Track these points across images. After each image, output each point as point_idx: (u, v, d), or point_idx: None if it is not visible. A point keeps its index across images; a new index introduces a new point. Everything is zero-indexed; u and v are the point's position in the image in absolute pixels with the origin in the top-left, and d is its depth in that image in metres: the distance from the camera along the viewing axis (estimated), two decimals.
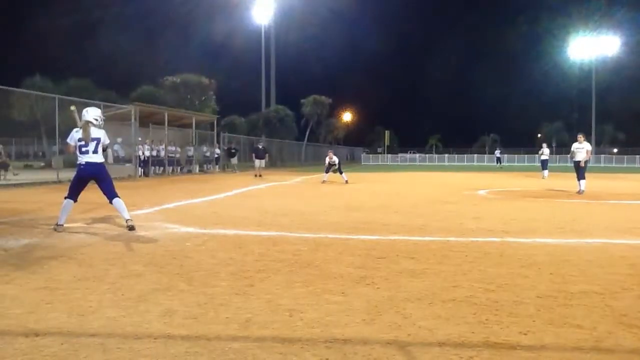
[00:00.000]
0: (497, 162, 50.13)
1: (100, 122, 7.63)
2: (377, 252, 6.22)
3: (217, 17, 62.28)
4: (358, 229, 8.08)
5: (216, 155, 34.86)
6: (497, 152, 51.20)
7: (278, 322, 3.66)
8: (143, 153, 25.32)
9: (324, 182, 20.57)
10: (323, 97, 65.04)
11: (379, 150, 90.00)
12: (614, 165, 64.41)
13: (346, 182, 20.33)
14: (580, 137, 15.52)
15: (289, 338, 3.35)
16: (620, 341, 3.35)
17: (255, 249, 6.36)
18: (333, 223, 8.70)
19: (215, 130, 36.50)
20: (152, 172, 26.00)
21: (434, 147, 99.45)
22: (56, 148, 20.90)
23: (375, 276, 5.01)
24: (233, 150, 34.75)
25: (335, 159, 21.00)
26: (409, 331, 3.49)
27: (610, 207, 12.13)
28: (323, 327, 3.54)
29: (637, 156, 67.73)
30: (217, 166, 34.94)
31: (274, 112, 56.24)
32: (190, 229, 7.85)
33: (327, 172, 21.15)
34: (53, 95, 20.22)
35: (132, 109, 24.23)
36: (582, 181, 14.97)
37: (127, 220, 7.50)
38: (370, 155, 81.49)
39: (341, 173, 21.09)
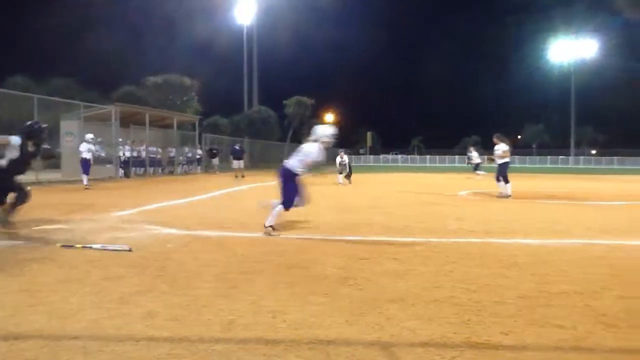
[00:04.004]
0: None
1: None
2: (361, 253, 6.23)
3: (199, 17, 61.97)
4: (341, 229, 8.09)
5: (198, 156, 34.68)
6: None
7: (261, 323, 3.66)
8: (124, 154, 25.11)
9: (340, 184, 20.38)
10: (306, 98, 65.03)
11: (362, 151, 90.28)
12: (592, 166, 65.30)
13: (349, 183, 20.32)
14: (496, 139, 15.08)
15: (272, 339, 3.34)
16: (600, 340, 3.39)
17: (239, 251, 6.34)
18: (316, 224, 8.70)
19: (197, 131, 36.32)
20: (133, 173, 25.78)
21: (417, 148, 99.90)
22: None
23: (359, 277, 5.02)
24: (214, 151, 34.55)
25: (346, 159, 20.96)
26: (392, 332, 3.51)
27: (589, 208, 12.29)
28: (306, 329, 3.54)
29: (616, 157, 68.78)
30: (199, 167, 34.77)
31: (256, 113, 56.11)
32: (172, 230, 7.80)
33: (340, 173, 21.02)
34: (32, 95, 19.95)
35: (112, 110, 24.03)
36: (499, 184, 14.58)
37: None
38: (353, 156, 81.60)
39: (350, 175, 20.98)
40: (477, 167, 26.32)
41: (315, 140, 7.75)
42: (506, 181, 14.32)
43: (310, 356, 3.08)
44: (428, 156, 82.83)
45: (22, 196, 7.52)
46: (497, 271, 5.35)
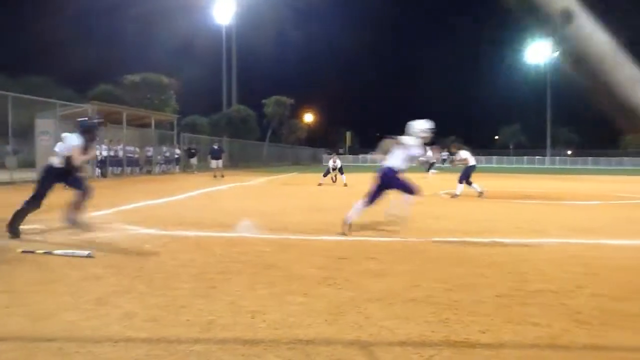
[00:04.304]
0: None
1: None
2: (339, 253, 6.25)
3: (178, 16, 61.49)
4: (320, 229, 8.10)
5: (176, 156, 34.40)
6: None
7: (240, 323, 3.65)
8: (100, 153, 24.82)
9: (320, 184, 20.25)
10: (285, 98, 64.96)
11: (341, 151, 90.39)
12: (568, 166, 66.23)
13: (345, 185, 20.15)
14: (453, 147, 15.98)
15: (251, 340, 3.34)
16: (575, 338, 3.45)
17: (217, 251, 6.32)
18: (295, 224, 8.71)
19: (175, 130, 36.02)
20: (110, 172, 25.50)
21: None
22: (9, 148, 20.22)
23: (337, 277, 5.03)
24: (193, 151, 34.30)
25: (339, 163, 20.96)
26: (371, 331, 3.52)
27: (565, 208, 12.48)
28: (286, 329, 3.54)
29: (590, 158, 69.84)
30: (177, 167, 34.49)
31: (235, 112, 55.90)
32: (151, 231, 7.74)
33: (325, 175, 20.99)
34: (6, 93, 19.59)
35: (89, 108, 23.73)
36: (459, 185, 14.88)
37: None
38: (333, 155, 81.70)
39: (342, 174, 20.91)
40: (431, 166, 26.44)
41: (412, 136, 7.74)
42: (469, 183, 14.77)
43: (289, 356, 3.08)
44: None
45: (84, 192, 7.36)
46: (475, 270, 5.41)
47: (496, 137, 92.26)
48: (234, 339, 3.36)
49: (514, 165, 68.75)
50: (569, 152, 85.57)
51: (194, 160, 34.02)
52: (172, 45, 56.08)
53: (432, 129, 7.87)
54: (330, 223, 8.82)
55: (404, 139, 7.68)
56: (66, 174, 7.31)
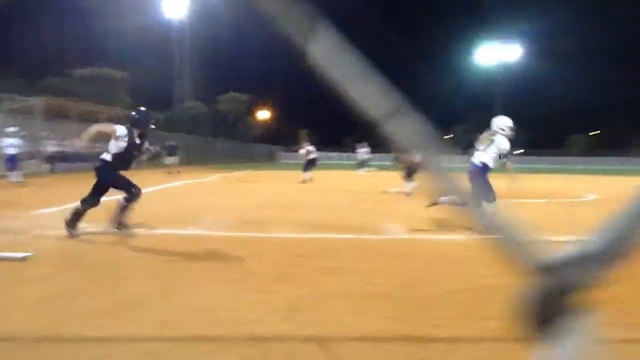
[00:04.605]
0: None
1: None
2: (296, 250, 6.26)
3: (132, 9, 60.06)
4: (277, 226, 8.10)
5: None
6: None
7: (198, 321, 3.63)
8: (49, 148, 24.11)
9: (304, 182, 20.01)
10: (240, 95, 64.49)
11: (295, 149, 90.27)
12: (520, 165, 67.86)
13: (307, 180, 19.93)
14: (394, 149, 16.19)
15: (209, 337, 3.32)
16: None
17: (172, 248, 6.24)
18: (252, 221, 8.67)
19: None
20: (58, 168, 24.80)
21: (351, 147, 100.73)
22: None
23: (295, 274, 5.05)
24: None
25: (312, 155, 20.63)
26: (329, 327, 3.56)
27: (513, 206, 12.82)
28: (244, 326, 3.53)
29: (535, 157, 71.84)
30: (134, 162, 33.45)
31: (190, 109, 55.19)
32: (102, 228, 7.57)
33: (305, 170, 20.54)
34: None
35: (37, 102, 23.02)
36: (407, 183, 15.13)
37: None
38: (289, 153, 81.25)
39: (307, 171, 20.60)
40: (362, 164, 26.42)
41: (497, 133, 7.76)
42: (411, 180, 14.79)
43: (248, 353, 3.08)
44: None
45: (133, 193, 6.86)
46: (429, 266, 5.51)
47: (451, 136, 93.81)
48: (192, 336, 3.34)
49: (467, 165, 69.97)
50: (521, 151, 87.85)
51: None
52: (125, 40, 54.80)
53: (513, 126, 7.92)
54: (286, 220, 8.83)
55: (497, 138, 7.73)
56: (116, 171, 6.90)
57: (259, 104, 78.66)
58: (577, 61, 74.79)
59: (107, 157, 6.85)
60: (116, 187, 6.88)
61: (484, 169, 7.74)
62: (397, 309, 4.00)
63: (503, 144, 7.70)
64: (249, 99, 65.92)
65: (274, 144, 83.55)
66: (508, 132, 7.82)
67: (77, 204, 6.84)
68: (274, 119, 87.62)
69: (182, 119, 53.56)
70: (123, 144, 6.81)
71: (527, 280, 0.76)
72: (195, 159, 46.65)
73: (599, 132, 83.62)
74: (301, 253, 6.09)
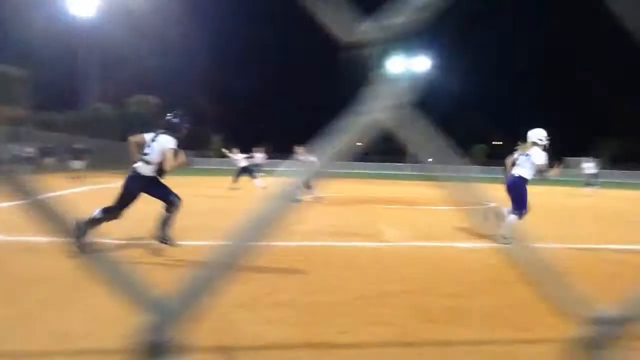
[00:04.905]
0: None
1: None
2: (198, 258, 6.15)
3: (34, 4, 57.16)
4: (178, 234, 7.92)
5: (29, 154, 31.88)
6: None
7: (96, 333, 3.49)
8: None
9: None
10: (149, 97, 62.64)
11: (209, 154, 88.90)
12: (358, 170, 69.97)
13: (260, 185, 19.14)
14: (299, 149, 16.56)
15: (109, 349, 3.20)
16: (425, 335, 3.71)
17: (71, 258, 5.96)
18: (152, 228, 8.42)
19: (27, 127, 33.41)
20: None
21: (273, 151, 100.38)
22: None
23: None
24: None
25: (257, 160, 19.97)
26: (234, 336, 3.53)
27: (414, 212, 13.29)
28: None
29: (375, 163, 74.03)
30: (30, 166, 31.94)
31: (95, 110, 53.06)
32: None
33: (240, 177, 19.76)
34: None
35: None
36: (308, 189, 15.40)
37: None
38: (200, 158, 79.64)
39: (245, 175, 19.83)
40: (244, 171, 22.17)
41: (534, 144, 7.99)
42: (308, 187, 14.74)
43: None
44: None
45: (173, 202, 6.45)
46: (335, 272, 5.60)
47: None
48: (91, 349, 3.21)
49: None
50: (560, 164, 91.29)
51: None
52: (26, 37, 51.92)
53: (547, 137, 8.13)
54: (189, 227, 8.67)
55: (533, 151, 7.95)
56: (151, 183, 6.45)
57: (172, 107, 76.66)
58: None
59: (140, 166, 6.46)
60: (154, 197, 6.55)
61: (524, 180, 7.98)
62: (302, 316, 4.04)
63: (540, 156, 7.98)
64: (158, 102, 64.11)
65: (187, 149, 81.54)
66: (545, 142, 8.12)
67: (95, 212, 6.38)
68: (189, 123, 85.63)
69: (88, 120, 51.36)
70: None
71: (579, 327, 0.82)
72: (101, 163, 44.86)
73: (501, 142, 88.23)
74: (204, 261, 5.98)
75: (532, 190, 8.12)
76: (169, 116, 6.92)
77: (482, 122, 76.05)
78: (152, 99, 62.86)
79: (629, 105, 59.67)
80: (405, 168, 76.28)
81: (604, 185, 28.68)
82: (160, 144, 6.43)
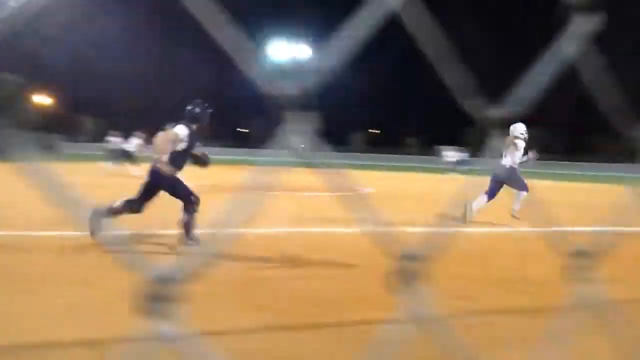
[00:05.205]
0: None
1: None
2: (76, 249, 5.90)
3: None
4: (52, 224, 7.54)
5: None
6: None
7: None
8: None
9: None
10: (12, 76, 56.84)
11: (82, 139, 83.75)
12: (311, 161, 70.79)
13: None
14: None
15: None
16: (301, 319, 3.92)
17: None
18: (28, 219, 7.94)
19: None
20: None
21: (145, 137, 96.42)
22: None
23: (84, 275, 4.83)
24: None
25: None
26: (110, 330, 3.50)
27: (304, 199, 13.53)
28: (16, 333, 3.34)
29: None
30: None
31: None
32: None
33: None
34: None
35: None
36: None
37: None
38: (74, 144, 74.14)
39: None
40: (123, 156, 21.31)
41: (516, 137, 9.14)
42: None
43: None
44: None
45: (192, 201, 5.97)
46: (210, 262, 5.61)
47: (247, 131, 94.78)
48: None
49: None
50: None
51: None
52: None
53: (526, 131, 9.37)
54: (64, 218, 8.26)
55: (519, 142, 9.19)
56: (167, 179, 5.92)
57: (40, 88, 71.22)
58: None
59: (164, 160, 6.05)
60: (173, 194, 6.10)
61: (514, 169, 9.16)
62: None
63: (522, 147, 9.25)
64: (23, 81, 58.46)
65: (59, 133, 75.72)
66: (525, 135, 9.32)
67: (116, 202, 5.97)
68: (59, 105, 79.96)
69: None
70: (184, 145, 6.08)
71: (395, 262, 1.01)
72: None
73: (379, 130, 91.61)
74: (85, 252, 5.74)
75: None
76: (189, 107, 6.40)
77: (360, 111, 78.39)
78: (14, 78, 56.02)
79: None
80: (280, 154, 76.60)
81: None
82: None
